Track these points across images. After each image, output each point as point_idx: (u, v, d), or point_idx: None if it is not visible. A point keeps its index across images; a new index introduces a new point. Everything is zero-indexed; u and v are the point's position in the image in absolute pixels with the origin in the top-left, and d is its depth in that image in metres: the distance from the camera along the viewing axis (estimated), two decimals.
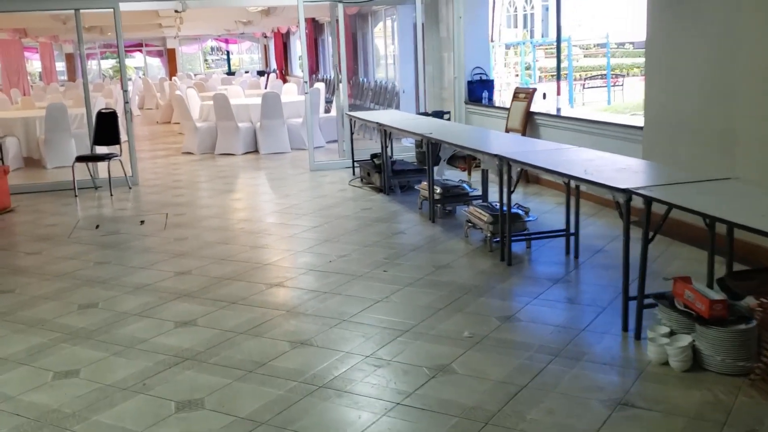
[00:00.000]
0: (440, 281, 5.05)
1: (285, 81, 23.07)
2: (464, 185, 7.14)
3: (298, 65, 25.07)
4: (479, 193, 7.04)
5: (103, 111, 9.11)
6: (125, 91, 9.21)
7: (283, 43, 25.13)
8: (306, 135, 11.56)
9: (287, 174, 9.87)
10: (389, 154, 8.23)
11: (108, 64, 35.49)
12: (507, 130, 8.70)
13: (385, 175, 8.18)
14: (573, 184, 5.25)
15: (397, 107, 12.30)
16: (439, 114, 10.01)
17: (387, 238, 6.30)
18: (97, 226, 7.14)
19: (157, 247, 6.27)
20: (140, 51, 30.82)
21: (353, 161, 9.58)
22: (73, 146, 10.88)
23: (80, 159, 8.83)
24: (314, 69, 20.74)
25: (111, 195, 8.74)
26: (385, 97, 13.65)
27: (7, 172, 8.33)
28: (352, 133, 9.59)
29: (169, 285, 5.19)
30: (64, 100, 13.26)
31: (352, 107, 13.62)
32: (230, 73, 29.78)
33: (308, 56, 21.02)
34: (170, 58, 29.90)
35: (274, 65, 27.63)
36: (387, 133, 8.11)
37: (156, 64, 32.79)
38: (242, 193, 8.83)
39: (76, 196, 8.75)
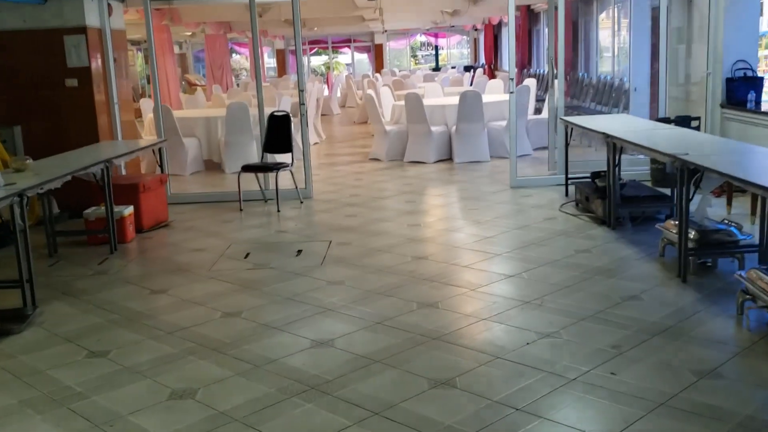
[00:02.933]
0: (707, 402, 3.05)
1: (492, 77, 21.29)
2: (732, 228, 4.95)
3: (507, 59, 23.13)
4: (756, 241, 4.82)
5: (276, 113, 7.96)
6: (302, 91, 7.98)
7: (494, 35, 23.30)
8: (507, 142, 9.74)
9: (482, 191, 8.11)
10: (617, 173, 6.18)
11: (319, 60, 35.95)
12: None
13: (611, 203, 6.15)
14: None
15: (626, 109, 10.02)
16: (684, 120, 7.70)
17: (614, 305, 4.34)
18: (247, 255, 5.90)
19: (304, 294, 4.83)
20: (348, 47, 30.58)
21: (566, 179, 7.60)
22: (254, 150, 9.98)
23: (246, 168, 7.74)
24: (525, 63, 18.71)
25: (278, 211, 7.55)
26: (611, 96, 11.38)
27: (164, 181, 7.43)
28: (567, 144, 7.59)
29: (300, 363, 3.69)
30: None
31: (569, 108, 11.53)
32: (436, 68, 28.52)
33: (520, 48, 19.07)
34: (377, 54, 29.28)
35: (483, 60, 25.92)
36: (616, 147, 6.07)
37: (365, 60, 32.50)
38: (424, 216, 7.22)
39: (241, 210, 7.68)
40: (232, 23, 17.87)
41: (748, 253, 4.81)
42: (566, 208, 7.02)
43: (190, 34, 22.25)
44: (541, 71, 17.09)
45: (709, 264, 4.97)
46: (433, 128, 10.30)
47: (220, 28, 17.91)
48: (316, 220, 7.18)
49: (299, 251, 5.94)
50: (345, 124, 17.40)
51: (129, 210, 6.60)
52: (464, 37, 31.94)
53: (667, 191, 6.53)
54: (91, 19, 7.74)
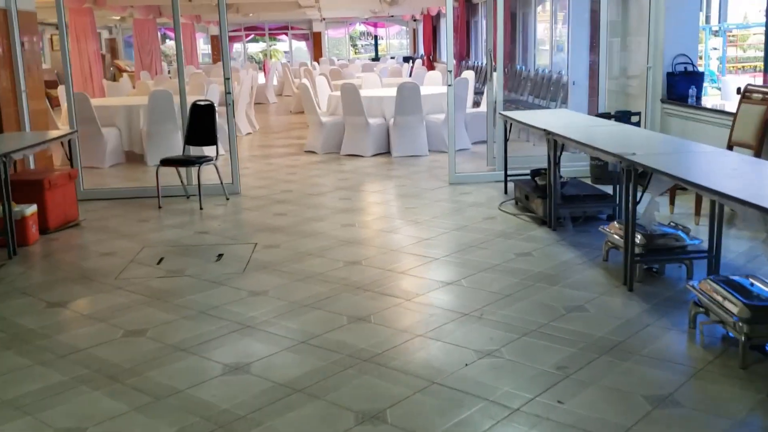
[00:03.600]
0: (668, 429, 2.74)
1: (431, 68, 20.99)
2: (680, 232, 4.69)
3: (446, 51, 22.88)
4: (704, 246, 4.58)
5: (199, 102, 7.39)
6: (227, 80, 7.44)
7: (433, 26, 23.00)
8: (445, 136, 9.46)
9: (421, 187, 7.74)
10: (557, 171, 5.88)
11: (257, 47, 35.03)
12: (730, 145, 6.09)
13: (551, 202, 5.85)
14: None
15: (564, 103, 9.82)
16: (625, 116, 7.50)
17: (558, 318, 4.02)
18: (160, 261, 5.37)
19: (221, 307, 4.35)
20: (286, 34, 29.85)
21: (506, 175, 7.29)
22: (179, 141, 9.33)
23: (166, 162, 7.15)
24: (464, 55, 18.46)
25: (201, 209, 7.01)
26: (548, 89, 11.16)
27: (74, 177, 6.80)
28: (506, 140, 7.27)
29: (210, 395, 3.23)
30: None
31: (507, 102, 11.29)
32: (375, 59, 28.09)
33: (458, 40, 18.80)
34: (315, 42, 28.66)
35: (422, 51, 25.62)
36: (557, 144, 5.77)
37: (303, 48, 31.78)
38: (360, 215, 6.80)
39: (159, 207, 7.10)
40: (162, 7, 17.02)
41: (696, 260, 4.56)
42: (506, 206, 6.71)
43: (119, 18, 21.24)
44: (480, 63, 16.85)
45: (656, 270, 4.70)
46: (371, 120, 9.88)
47: (148, 12, 17.04)
48: (242, 219, 6.68)
49: (220, 255, 5.44)
50: (281, 113, 16.81)
51: (31, 209, 5.97)
52: (403, 27, 31.60)
53: (609, 189, 6.29)
54: None
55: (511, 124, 7.08)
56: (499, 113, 7.47)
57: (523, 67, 13.14)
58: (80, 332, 4.06)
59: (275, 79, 21.10)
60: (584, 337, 3.76)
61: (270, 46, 33.61)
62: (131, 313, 4.32)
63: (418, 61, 19.29)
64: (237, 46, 30.42)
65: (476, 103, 12.01)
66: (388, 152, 10.00)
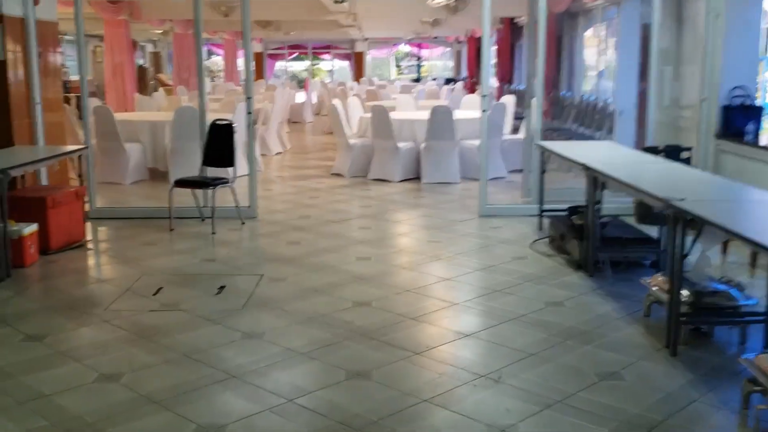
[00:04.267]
0: None
1: (473, 91, 20.52)
2: (733, 291, 4.10)
3: (491, 73, 22.34)
4: (762, 307, 4.00)
5: (218, 122, 7.03)
6: (249, 99, 7.07)
7: (477, 48, 22.53)
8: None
9: (448, 219, 7.24)
10: (597, 208, 5.33)
11: (302, 66, 34.97)
12: None
13: (589, 245, 5.30)
14: None
15: (610, 133, 9.24)
16: (674, 151, 6.87)
17: (588, 387, 3.47)
18: (157, 291, 4.96)
19: (208, 351, 3.91)
20: (329, 53, 29.69)
21: (541, 210, 6.75)
22: None
23: (180, 183, 6.78)
24: (507, 78, 17.94)
25: (213, 233, 6.62)
26: (593, 118, 10.59)
27: (82, 195, 6.47)
28: (543, 172, 6.74)
29: None
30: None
31: (549, 130, 10.71)
32: (417, 80, 27.73)
33: (500, 63, 18.28)
34: (357, 62, 28.40)
35: (465, 73, 25.18)
36: (598, 182, 5.22)
37: (346, 67, 31.60)
38: (378, 247, 6.32)
39: (171, 229, 6.73)
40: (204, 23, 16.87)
41: (752, 323, 3.97)
42: (538, 245, 6.17)
43: (161, 31, 21.28)
44: (523, 87, 16.31)
45: (704, 332, 4.12)
46: (401, 144, 9.43)
47: (188, 27, 16.91)
48: (253, 247, 6.27)
49: (221, 288, 5.02)
50: (316, 133, 16.53)
51: (31, 229, 5.63)
52: (448, 49, 31.21)
53: (655, 231, 5.70)
54: (11, 7, 6.78)
55: (549, 155, 6.55)
56: (536, 143, 6.92)
57: (570, 94, 12.56)
58: (50, 373, 3.65)
59: (315, 97, 20.87)
60: (618, 413, 3.21)
61: (315, 64, 33.55)
62: (111, 353, 3.91)
63: (459, 84, 18.81)
64: (279, 64, 30.37)
65: (516, 129, 11.48)
66: (417, 178, 9.53)
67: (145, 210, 7.36)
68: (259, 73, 27.81)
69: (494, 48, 21.77)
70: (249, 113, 7.09)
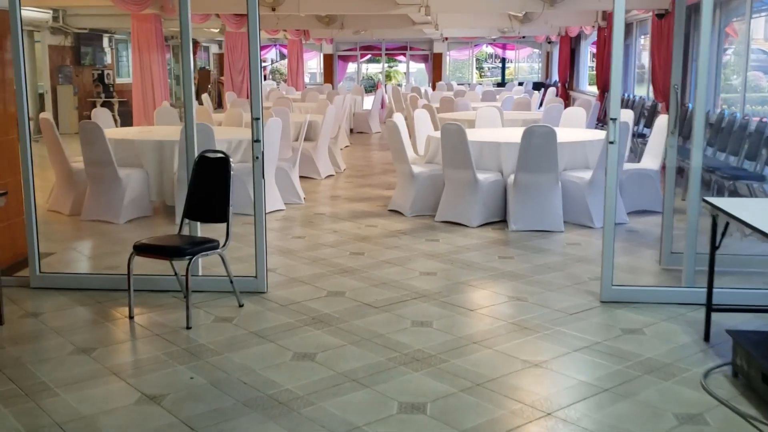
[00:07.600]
0: None
1: (566, 97, 17.78)
2: None
3: (587, 78, 19.48)
4: None
5: (208, 155, 4.74)
6: (256, 120, 4.77)
7: (570, 49, 19.70)
8: (592, 204, 6.54)
9: (554, 307, 4.72)
10: None
11: (376, 68, 32.79)
12: None
13: None
14: None
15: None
16: None
17: None
18: None
19: None
20: (404, 55, 27.38)
21: (710, 303, 4.13)
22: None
23: (140, 250, 4.48)
24: (603, 85, 15.11)
25: (188, 327, 4.34)
26: (739, 143, 7.84)
27: None
28: (715, 247, 4.08)
29: None
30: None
31: (679, 155, 8.02)
32: (501, 84, 25.03)
33: (602, 67, 15.53)
34: (435, 64, 25.95)
35: (555, 77, 22.34)
36: None
37: (423, 70, 29.22)
38: (441, 379, 3.87)
39: (131, 317, 4.51)
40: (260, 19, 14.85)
41: None
42: (716, 379, 3.60)
43: (218, 30, 19.47)
44: (631, 96, 13.51)
45: None
46: (481, 176, 6.96)
47: (240, 24, 14.91)
48: (235, 366, 3.88)
49: None
50: (382, 147, 14.07)
51: None
52: (535, 50, 28.36)
53: None
54: None
55: (726, 223, 3.93)
56: (704, 201, 4.25)
57: (712, 110, 9.63)
58: None
59: (383, 103, 18.56)
60: None
61: (391, 67, 31.33)
62: None
63: (551, 90, 16.09)
64: (351, 66, 28.26)
65: (633, 152, 8.86)
66: (503, 221, 7.05)
67: (106, 279, 5.13)
68: (329, 77, 25.77)
69: (592, 50, 18.95)
70: (257, 141, 4.79)
